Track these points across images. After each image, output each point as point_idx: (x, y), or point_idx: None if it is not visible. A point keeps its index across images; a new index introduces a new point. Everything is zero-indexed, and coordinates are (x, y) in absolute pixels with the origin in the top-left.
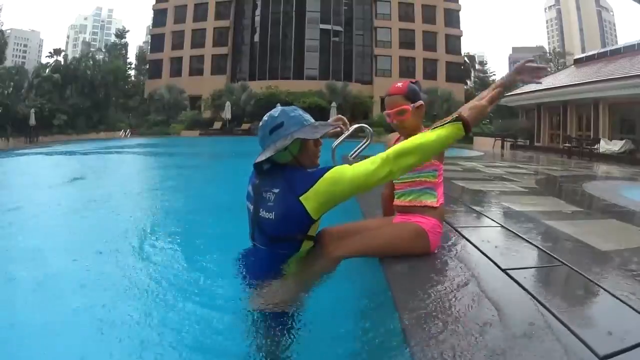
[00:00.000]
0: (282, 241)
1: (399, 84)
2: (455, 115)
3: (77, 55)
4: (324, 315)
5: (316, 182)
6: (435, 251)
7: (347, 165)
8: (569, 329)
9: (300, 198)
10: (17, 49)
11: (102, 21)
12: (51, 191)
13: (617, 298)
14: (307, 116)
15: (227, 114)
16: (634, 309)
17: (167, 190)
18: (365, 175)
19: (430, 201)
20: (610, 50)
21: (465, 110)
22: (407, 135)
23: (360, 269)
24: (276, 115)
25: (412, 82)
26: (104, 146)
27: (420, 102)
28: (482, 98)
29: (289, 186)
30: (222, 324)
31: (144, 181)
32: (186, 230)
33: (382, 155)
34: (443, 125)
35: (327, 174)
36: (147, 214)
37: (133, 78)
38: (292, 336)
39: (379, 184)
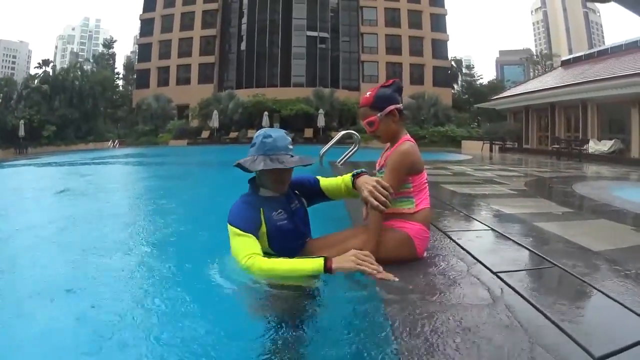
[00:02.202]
0: None
1: (368, 94)
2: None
3: (66, 66)
4: (315, 323)
5: (230, 223)
6: (425, 255)
7: (237, 234)
8: (563, 330)
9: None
10: (5, 60)
11: (90, 31)
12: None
13: (611, 298)
14: (276, 146)
15: (214, 122)
16: (628, 308)
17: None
18: (235, 257)
19: (407, 208)
20: (597, 51)
21: (340, 259)
22: (386, 141)
23: (349, 275)
24: (257, 135)
25: (384, 86)
26: (94, 157)
27: (390, 107)
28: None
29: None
30: (219, 327)
31: (137, 191)
32: (182, 237)
33: (246, 259)
34: (307, 258)
35: (230, 228)
36: (145, 222)
37: (121, 88)
38: (285, 342)
39: None
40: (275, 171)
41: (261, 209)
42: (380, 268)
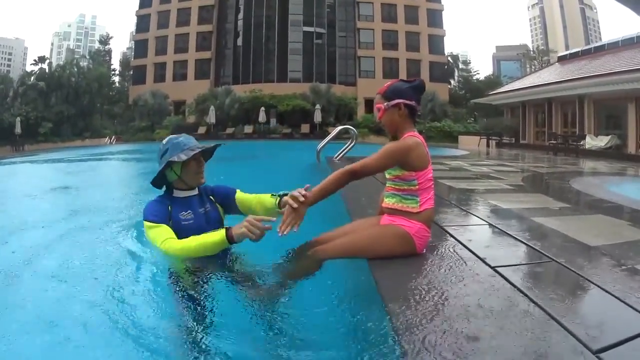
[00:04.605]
0: None
1: (387, 84)
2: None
3: (62, 63)
4: (312, 318)
5: (144, 220)
6: (424, 251)
7: (151, 227)
8: (561, 324)
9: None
10: (1, 57)
11: (86, 28)
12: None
13: (608, 292)
14: (189, 142)
15: (211, 118)
16: (625, 302)
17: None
18: (154, 245)
19: (411, 207)
20: (594, 47)
21: (237, 227)
22: (391, 133)
23: (348, 270)
24: (164, 143)
25: (404, 80)
26: (90, 153)
27: (397, 100)
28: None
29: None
30: (208, 313)
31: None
32: None
33: (161, 244)
34: (212, 232)
35: (145, 223)
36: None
37: (117, 84)
38: (279, 333)
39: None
40: (193, 163)
41: (169, 207)
42: (264, 230)
